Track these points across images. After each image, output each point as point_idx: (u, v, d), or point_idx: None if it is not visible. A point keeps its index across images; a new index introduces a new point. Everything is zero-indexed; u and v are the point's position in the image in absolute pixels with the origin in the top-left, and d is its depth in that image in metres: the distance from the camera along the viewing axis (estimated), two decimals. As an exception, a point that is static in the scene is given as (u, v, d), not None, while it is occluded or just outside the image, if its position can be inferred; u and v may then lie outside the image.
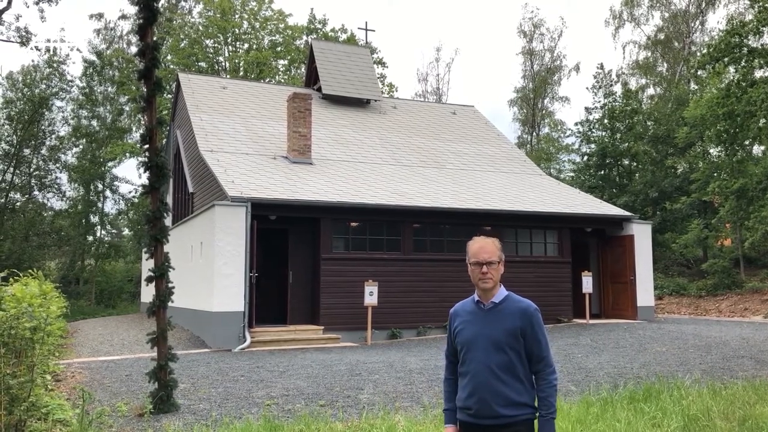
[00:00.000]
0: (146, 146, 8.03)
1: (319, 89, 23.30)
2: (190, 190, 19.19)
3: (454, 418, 3.53)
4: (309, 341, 14.51)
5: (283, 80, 37.87)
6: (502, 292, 3.44)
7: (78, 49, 56.81)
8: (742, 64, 18.73)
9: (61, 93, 37.36)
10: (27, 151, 36.90)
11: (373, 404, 7.88)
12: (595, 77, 35.83)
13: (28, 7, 46.52)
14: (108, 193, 39.07)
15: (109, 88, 38.90)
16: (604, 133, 34.19)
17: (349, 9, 65.72)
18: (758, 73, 19.45)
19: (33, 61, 44.64)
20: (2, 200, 35.53)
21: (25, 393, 5.96)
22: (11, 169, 36.06)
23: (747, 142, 26.59)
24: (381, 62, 40.58)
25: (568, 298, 17.75)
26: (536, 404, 3.36)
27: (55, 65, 36.66)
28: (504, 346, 3.31)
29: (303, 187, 15.89)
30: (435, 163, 21.04)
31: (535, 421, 3.36)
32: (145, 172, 8.07)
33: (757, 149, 30.45)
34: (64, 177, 37.92)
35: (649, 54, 41.50)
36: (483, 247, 3.43)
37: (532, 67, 47.17)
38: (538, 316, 3.40)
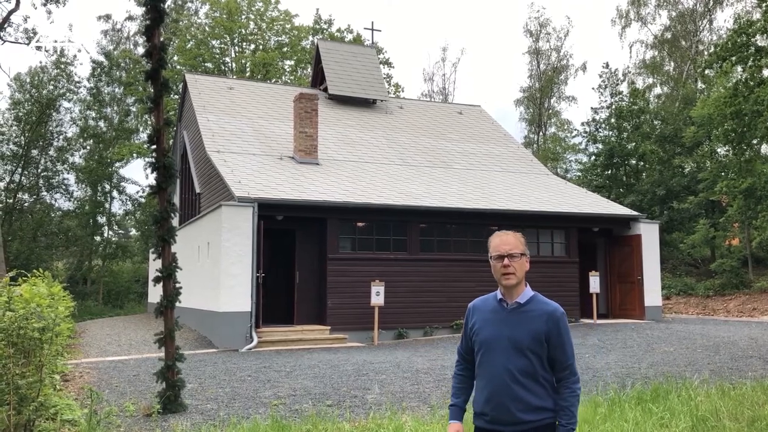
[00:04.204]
0: (153, 147, 8.05)
1: (326, 89, 23.31)
2: (197, 190, 19.24)
3: (460, 415, 3.36)
4: (316, 341, 14.52)
5: (289, 81, 37.92)
6: (527, 292, 3.20)
7: (86, 50, 57.01)
8: (750, 63, 18.65)
9: (68, 94, 37.54)
10: (35, 152, 37.08)
11: (380, 404, 7.87)
12: (600, 76, 35.75)
13: (35, 8, 46.79)
14: (115, 193, 39.24)
15: (117, 89, 39.05)
16: (610, 133, 34.08)
17: (355, 9, 65.78)
18: (766, 72, 19.35)
19: (41, 62, 44.86)
20: (10, 201, 35.72)
21: (33, 393, 5.98)
22: (19, 170, 36.24)
23: (755, 142, 26.47)
24: (387, 62, 40.59)
25: (576, 298, 17.71)
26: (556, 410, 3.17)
27: (62, 66, 36.82)
28: (526, 350, 3.10)
29: (309, 188, 15.90)
30: (441, 163, 21.02)
31: (555, 425, 3.16)
32: (152, 172, 8.09)
33: (766, 148, 30.28)
34: (71, 178, 38.14)
35: (656, 53, 41.35)
36: (504, 240, 3.20)
37: (539, 66, 47.08)
38: (565, 320, 3.18)
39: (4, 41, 24.74)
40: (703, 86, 33.42)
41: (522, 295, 3.20)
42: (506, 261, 3.15)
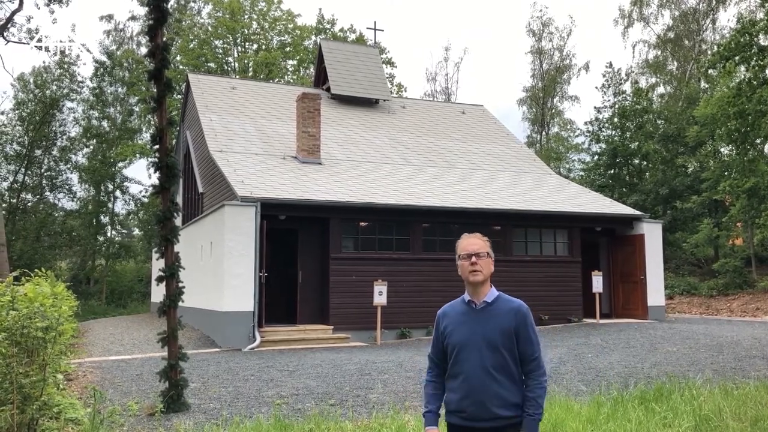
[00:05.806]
0: (156, 147, 8.06)
1: (328, 89, 23.32)
2: (200, 190, 19.26)
3: (435, 420, 3.49)
4: (318, 341, 14.53)
5: (292, 80, 37.95)
6: (493, 292, 3.42)
7: (88, 49, 56.97)
8: (753, 63, 18.62)
9: (71, 94, 37.61)
10: (38, 152, 37.16)
11: (383, 404, 7.88)
12: (603, 76, 35.71)
13: (39, 8, 46.85)
14: (118, 193, 39.32)
15: (119, 89, 39.12)
16: (613, 132, 34.05)
17: (357, 9, 65.78)
18: (769, 72, 19.30)
19: (44, 62, 44.96)
20: (14, 200, 35.80)
21: (37, 392, 6.00)
22: (23, 169, 36.33)
23: (758, 141, 26.44)
24: (390, 62, 40.58)
25: (579, 297, 17.69)
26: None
27: (65, 66, 36.90)
28: (499, 346, 3.28)
29: (312, 187, 15.91)
30: (444, 162, 21.01)
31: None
32: (155, 172, 8.11)
33: (769, 148, 30.24)
34: (74, 177, 38.23)
35: (659, 53, 41.26)
36: (471, 242, 3.45)
37: (541, 66, 46.99)
38: (530, 315, 3.39)
39: (8, 41, 24.77)
40: (706, 86, 33.36)
41: (489, 295, 3.41)
42: (474, 259, 3.38)
